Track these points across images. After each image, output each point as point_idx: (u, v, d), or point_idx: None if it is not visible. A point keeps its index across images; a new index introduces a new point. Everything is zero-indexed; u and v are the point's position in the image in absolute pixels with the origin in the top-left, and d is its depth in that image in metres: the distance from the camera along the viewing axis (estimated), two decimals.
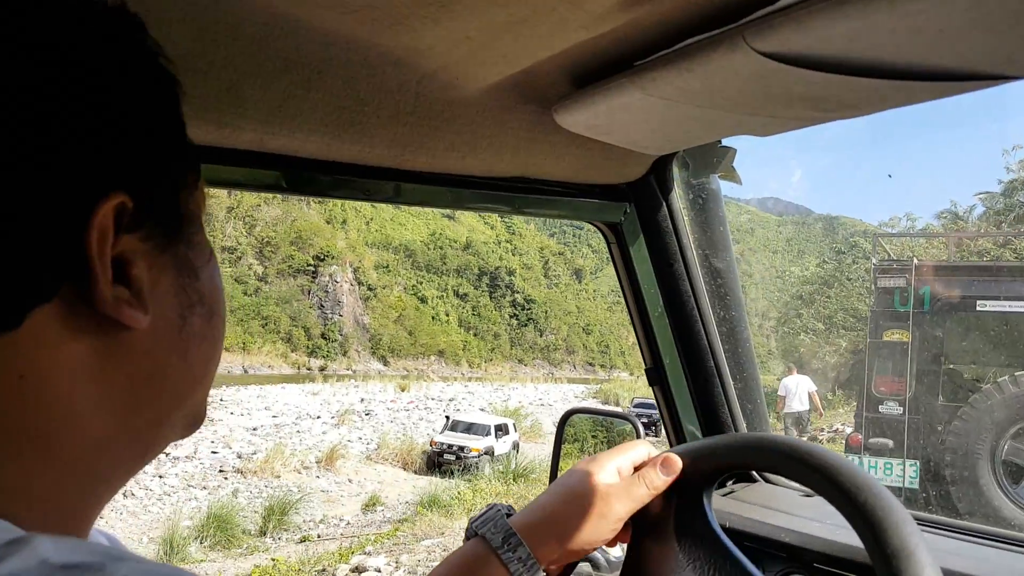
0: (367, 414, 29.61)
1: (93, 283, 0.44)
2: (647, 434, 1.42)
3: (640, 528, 0.92)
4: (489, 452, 19.24)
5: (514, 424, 22.47)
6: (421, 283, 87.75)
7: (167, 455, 17.44)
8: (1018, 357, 11.27)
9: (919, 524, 0.65)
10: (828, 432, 21.94)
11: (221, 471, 17.09)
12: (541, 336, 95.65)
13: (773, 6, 0.71)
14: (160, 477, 15.84)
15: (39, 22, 0.43)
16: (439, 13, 0.79)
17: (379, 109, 0.99)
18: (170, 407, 0.53)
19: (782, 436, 0.88)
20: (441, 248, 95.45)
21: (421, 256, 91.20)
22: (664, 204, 1.37)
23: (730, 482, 1.45)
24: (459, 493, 14.26)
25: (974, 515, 9.14)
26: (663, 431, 1.56)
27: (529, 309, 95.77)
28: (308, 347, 66.16)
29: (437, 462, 19.07)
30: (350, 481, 17.41)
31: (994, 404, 9.56)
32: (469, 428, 20.35)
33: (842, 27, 0.66)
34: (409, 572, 9.58)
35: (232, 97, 0.89)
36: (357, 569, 9.68)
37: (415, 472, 19.05)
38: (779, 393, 15.00)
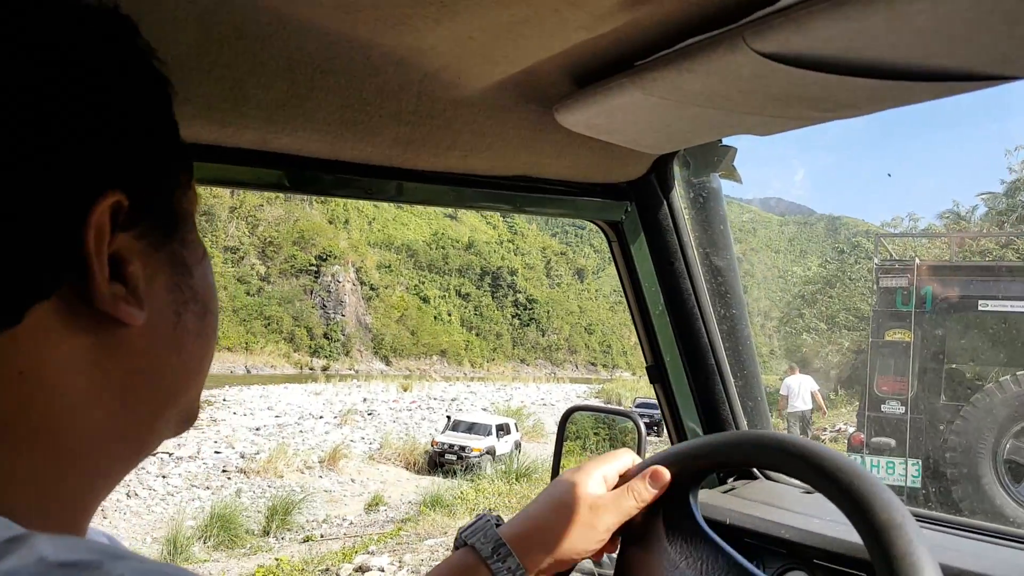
0: (370, 414, 29.59)
1: (91, 280, 0.45)
2: (649, 434, 1.43)
3: (628, 537, 0.94)
4: (490, 452, 19.22)
5: (515, 424, 22.43)
6: (423, 283, 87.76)
7: (170, 455, 17.47)
8: (1020, 356, 11.27)
9: (917, 520, 0.66)
10: (831, 432, 21.91)
11: (224, 471, 17.09)
12: (543, 336, 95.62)
13: (772, 7, 0.71)
14: (163, 477, 15.86)
15: (40, 23, 0.44)
16: (441, 13, 0.79)
17: (382, 108, 1.00)
18: (165, 403, 0.54)
19: (762, 431, 0.89)
20: (443, 248, 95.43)
21: (423, 256, 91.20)
22: (665, 203, 1.38)
23: (731, 479, 1.46)
24: (462, 493, 14.26)
25: (976, 514, 9.12)
26: (664, 432, 1.56)
27: (531, 309, 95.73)
28: (311, 347, 66.22)
29: (438, 462, 19.04)
30: (353, 481, 17.41)
31: (996, 403, 9.57)
32: (470, 428, 20.32)
33: (841, 28, 0.67)
34: (412, 571, 9.58)
35: (235, 96, 0.90)
36: (360, 568, 9.69)
37: (418, 472, 19.04)
38: (781, 392, 14.97)
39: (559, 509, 0.90)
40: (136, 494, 14.38)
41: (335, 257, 72.96)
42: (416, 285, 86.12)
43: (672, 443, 1.47)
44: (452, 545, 0.91)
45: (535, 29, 0.82)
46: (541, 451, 19.85)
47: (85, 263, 0.45)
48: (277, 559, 10.46)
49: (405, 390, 42.60)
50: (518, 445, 21.11)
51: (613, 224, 1.41)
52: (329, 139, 1.01)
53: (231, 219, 68.80)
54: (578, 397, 49.09)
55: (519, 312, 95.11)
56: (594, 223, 1.43)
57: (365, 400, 34.96)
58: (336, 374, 56.69)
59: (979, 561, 1.02)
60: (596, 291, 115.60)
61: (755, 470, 1.47)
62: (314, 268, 71.47)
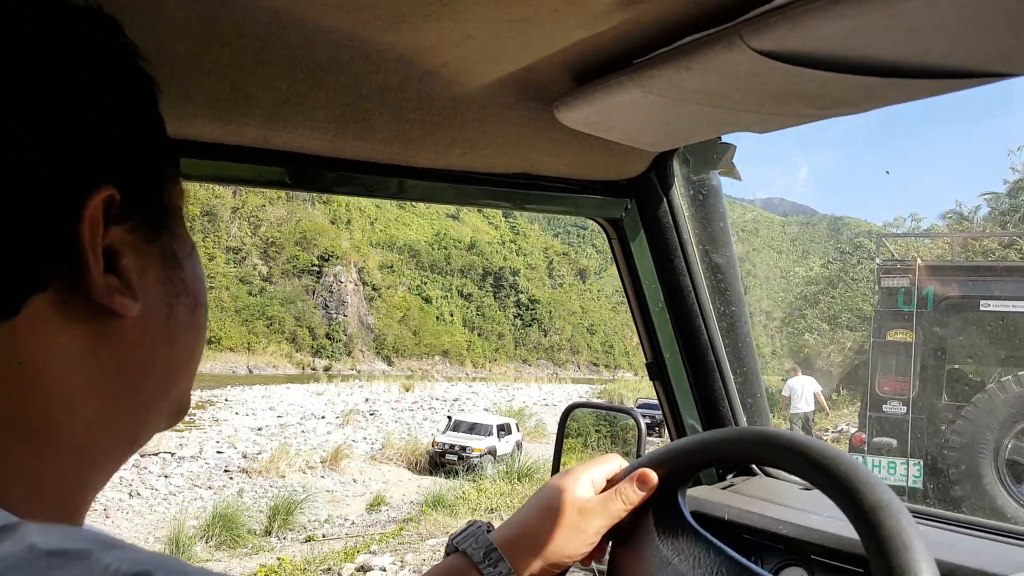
0: (371, 414, 29.60)
1: (86, 272, 0.46)
2: (650, 434, 1.43)
3: (618, 539, 0.95)
4: (491, 452, 19.21)
5: (517, 424, 22.42)
6: (425, 283, 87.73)
7: (172, 455, 17.49)
8: (1021, 356, 11.26)
9: (913, 516, 0.66)
10: (833, 432, 21.87)
11: (226, 471, 17.11)
12: (545, 336, 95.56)
13: (769, 5, 0.72)
14: (166, 477, 15.88)
15: (34, 24, 0.45)
16: (441, 12, 0.80)
17: (382, 106, 1.00)
18: (157, 394, 0.55)
19: (750, 427, 0.90)
20: (445, 248, 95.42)
21: (425, 256, 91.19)
22: (665, 200, 1.38)
23: (730, 476, 1.46)
24: (464, 493, 14.27)
25: (977, 513, 9.10)
26: (665, 431, 1.57)
27: (533, 309, 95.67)
28: (313, 347, 66.24)
29: (439, 462, 19.04)
30: (355, 481, 17.41)
31: (997, 403, 9.57)
32: (471, 428, 20.31)
33: (837, 25, 0.67)
34: (414, 571, 9.59)
35: (237, 94, 0.91)
36: (362, 568, 9.69)
37: (420, 472, 19.03)
38: (784, 394, 14.94)
39: (548, 514, 0.92)
40: (138, 494, 14.40)
41: (337, 257, 72.98)
42: (418, 285, 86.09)
43: (672, 440, 1.48)
44: (444, 551, 0.92)
45: (535, 27, 0.83)
46: (543, 451, 19.84)
47: (80, 256, 0.46)
48: (279, 559, 10.47)
49: (407, 390, 42.63)
50: (519, 445, 21.09)
51: (613, 221, 1.41)
52: (330, 137, 1.02)
53: (233, 219, 68.80)
54: (580, 397, 48.99)
55: (521, 312, 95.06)
56: (594, 220, 1.44)
57: (367, 400, 34.99)
58: (338, 374, 56.78)
59: (975, 557, 1.03)
60: (598, 291, 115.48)
61: (754, 467, 1.47)
62: (316, 268, 71.51)
